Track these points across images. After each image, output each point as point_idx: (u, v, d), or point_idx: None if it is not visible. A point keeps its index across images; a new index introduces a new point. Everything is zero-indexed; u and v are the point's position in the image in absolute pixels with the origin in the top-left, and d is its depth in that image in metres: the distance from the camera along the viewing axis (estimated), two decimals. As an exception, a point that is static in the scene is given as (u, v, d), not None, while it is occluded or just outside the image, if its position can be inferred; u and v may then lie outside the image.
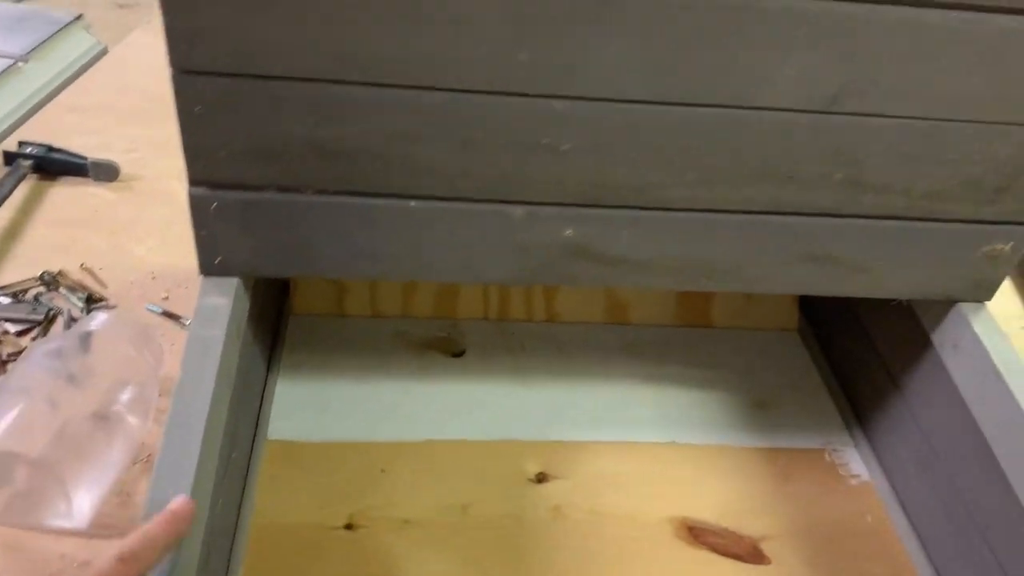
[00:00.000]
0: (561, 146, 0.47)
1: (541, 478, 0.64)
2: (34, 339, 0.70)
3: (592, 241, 0.52)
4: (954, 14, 0.44)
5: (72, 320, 0.72)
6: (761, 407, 0.71)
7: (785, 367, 0.75)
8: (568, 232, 0.51)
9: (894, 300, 0.60)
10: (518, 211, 0.50)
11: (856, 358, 0.70)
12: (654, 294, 0.77)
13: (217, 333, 0.49)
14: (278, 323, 0.72)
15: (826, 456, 0.68)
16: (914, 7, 0.44)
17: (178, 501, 0.41)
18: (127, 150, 0.94)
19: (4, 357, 0.67)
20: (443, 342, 0.73)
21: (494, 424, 0.67)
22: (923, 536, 0.61)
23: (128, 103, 1.04)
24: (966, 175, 0.51)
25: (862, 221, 0.53)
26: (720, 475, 0.65)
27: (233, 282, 0.52)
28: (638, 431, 0.68)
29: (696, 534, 0.61)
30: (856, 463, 0.67)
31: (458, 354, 0.73)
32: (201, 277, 0.53)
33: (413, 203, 0.49)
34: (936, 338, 0.60)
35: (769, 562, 0.60)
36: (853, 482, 0.66)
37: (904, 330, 0.63)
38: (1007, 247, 0.55)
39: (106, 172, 0.89)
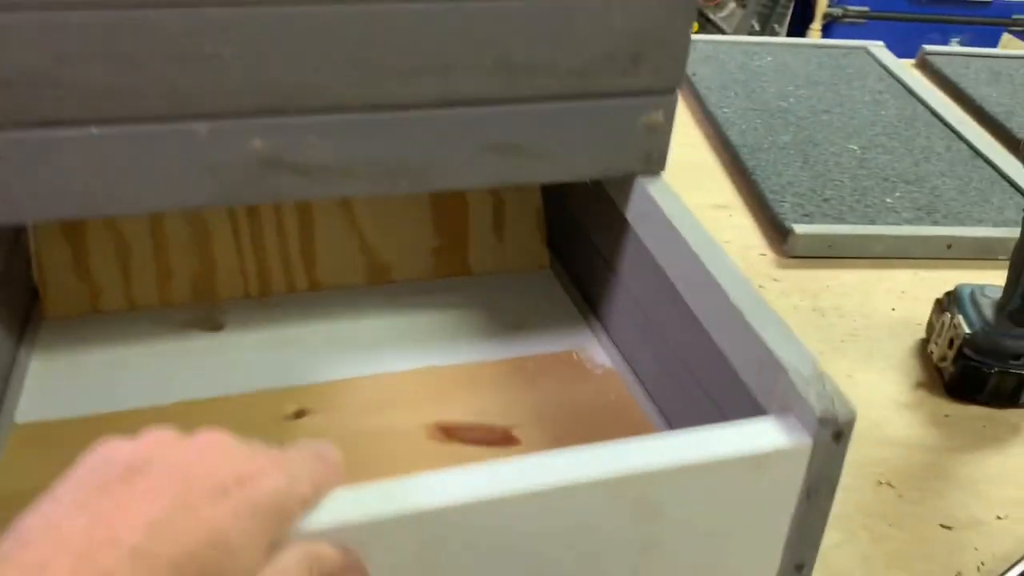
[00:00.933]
0: (225, 54, 0.52)
1: (300, 414, 0.65)
2: None
3: (283, 151, 0.56)
4: None
5: None
6: (516, 328, 0.76)
7: (538, 297, 0.80)
8: (256, 143, 0.55)
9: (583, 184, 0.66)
10: (202, 127, 0.54)
11: (591, 270, 0.76)
12: (413, 252, 0.81)
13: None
14: (25, 327, 0.71)
15: (574, 356, 0.73)
16: None
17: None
18: None
19: None
20: (202, 322, 0.75)
21: (252, 380, 0.68)
22: (656, 397, 0.66)
23: None
24: (600, 49, 0.58)
25: (525, 106, 0.59)
26: (475, 386, 0.69)
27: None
28: (397, 363, 0.70)
29: (449, 432, 0.64)
30: (600, 356, 0.72)
31: (218, 329, 0.74)
32: None
33: (95, 129, 0.52)
34: (629, 215, 0.66)
35: (519, 443, 0.63)
36: (598, 371, 0.71)
37: (609, 219, 0.69)
38: (660, 116, 0.62)
39: None
